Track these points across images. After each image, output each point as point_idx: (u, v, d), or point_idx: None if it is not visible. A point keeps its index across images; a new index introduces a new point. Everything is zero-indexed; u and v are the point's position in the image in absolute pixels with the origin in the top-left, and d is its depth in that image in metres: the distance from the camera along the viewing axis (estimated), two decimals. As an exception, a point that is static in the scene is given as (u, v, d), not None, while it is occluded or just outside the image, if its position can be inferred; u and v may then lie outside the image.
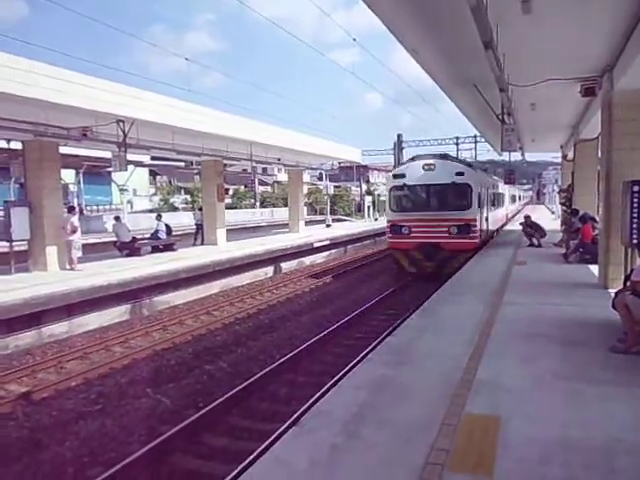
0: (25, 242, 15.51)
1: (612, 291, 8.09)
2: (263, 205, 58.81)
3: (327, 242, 25.63)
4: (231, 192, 59.17)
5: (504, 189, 30.62)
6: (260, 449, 5.73)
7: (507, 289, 10.78)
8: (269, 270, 20.86)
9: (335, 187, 53.51)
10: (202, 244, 23.42)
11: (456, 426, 4.51)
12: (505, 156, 26.70)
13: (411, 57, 10.14)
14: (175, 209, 49.71)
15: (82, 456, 6.44)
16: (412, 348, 6.91)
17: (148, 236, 22.42)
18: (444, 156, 17.90)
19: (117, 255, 19.30)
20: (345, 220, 45.60)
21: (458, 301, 9.77)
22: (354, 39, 15.58)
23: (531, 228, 19.39)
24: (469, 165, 18.56)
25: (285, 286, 18.08)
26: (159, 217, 22.61)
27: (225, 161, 23.97)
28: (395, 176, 17.85)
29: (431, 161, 17.05)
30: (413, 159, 17.98)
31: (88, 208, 42.40)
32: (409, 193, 17.57)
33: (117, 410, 7.82)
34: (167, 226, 21.99)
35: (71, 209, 17.45)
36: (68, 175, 32.30)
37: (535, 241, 18.83)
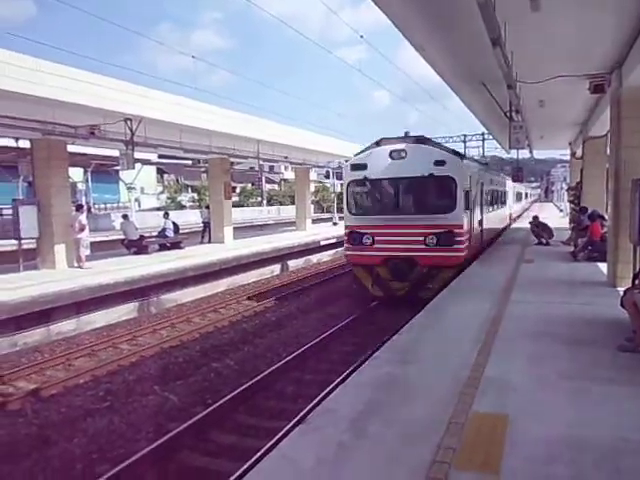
0: (34, 240, 15.63)
1: (621, 289, 8.04)
2: (270, 203, 58.96)
3: (333, 240, 25.61)
4: (238, 190, 59.36)
5: (508, 186, 27.44)
6: (267, 447, 5.76)
7: (514, 287, 10.73)
8: (276, 268, 20.89)
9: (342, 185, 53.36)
10: (209, 242, 23.49)
11: (463, 424, 4.50)
12: (513, 154, 25.44)
13: (418, 54, 10.10)
14: (182, 207, 49.94)
15: (90, 453, 6.49)
16: (419, 346, 6.89)
17: (155, 234, 22.53)
18: (419, 139, 13.10)
19: (125, 253, 19.39)
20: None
21: (465, 299, 9.73)
22: (361, 36, 15.49)
23: (538, 227, 19.38)
24: (455, 153, 13.86)
25: (291, 283, 18.09)
26: (166, 215, 22.71)
27: (232, 159, 24.03)
28: (354, 167, 13.37)
29: (401, 146, 12.79)
30: (378, 143, 13.18)
31: (96, 206, 42.65)
32: (372, 190, 13.49)
33: (125, 407, 7.86)
34: (174, 224, 22.08)
35: (79, 207, 17.55)
36: (76, 173, 32.51)
37: (543, 239, 18.76)
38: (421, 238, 12.59)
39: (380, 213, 13.16)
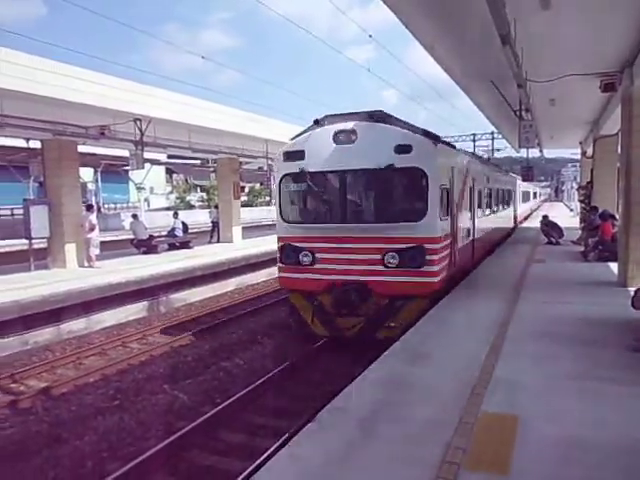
0: (44, 240, 15.74)
1: (632, 289, 7.96)
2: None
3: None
4: (247, 190, 59.44)
5: (513, 185, 25.16)
6: (277, 445, 5.77)
7: (524, 287, 10.68)
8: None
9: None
10: (218, 241, 23.57)
11: (473, 425, 4.48)
12: (523, 153, 25.19)
13: (427, 53, 10.08)
14: (191, 207, 50.14)
15: (101, 451, 6.52)
16: (428, 346, 6.87)
17: (165, 234, 22.63)
18: (375, 115, 9.29)
19: (134, 252, 19.49)
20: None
21: (475, 299, 9.69)
22: (370, 35, 15.43)
23: (548, 227, 19.30)
24: (427, 134, 9.48)
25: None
26: (176, 215, 22.80)
27: (241, 159, 24.08)
28: (287, 156, 9.72)
29: (349, 125, 9.17)
30: (319, 122, 9.52)
31: (106, 206, 42.94)
32: (311, 188, 9.73)
33: (134, 406, 7.90)
34: (184, 224, 22.17)
35: (89, 207, 17.69)
36: (86, 173, 32.73)
37: (553, 239, 18.66)
38: (378, 256, 8.97)
39: (322, 221, 9.65)
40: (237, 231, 23.69)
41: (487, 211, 15.59)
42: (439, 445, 4.12)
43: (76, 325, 12.05)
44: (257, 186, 63.65)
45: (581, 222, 22.44)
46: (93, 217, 16.39)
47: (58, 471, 6.11)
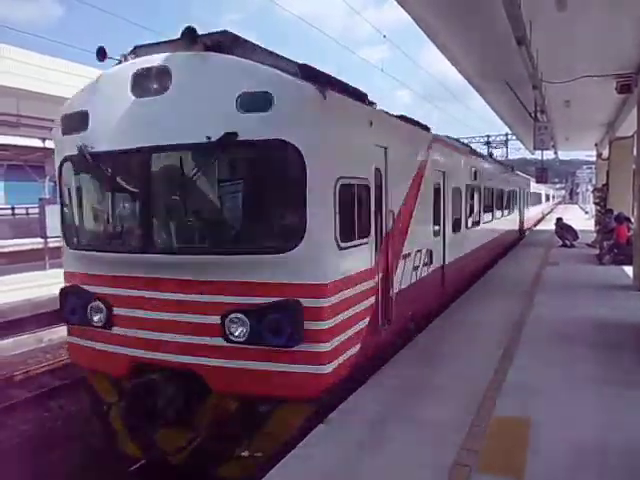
0: (60, 239, 15.86)
1: (648, 293, 7.89)
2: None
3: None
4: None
5: (518, 184, 21.21)
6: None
7: (538, 290, 10.59)
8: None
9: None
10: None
11: (486, 428, 4.45)
12: (537, 155, 24.82)
13: (442, 54, 10.06)
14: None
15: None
16: (441, 348, 6.84)
17: None
18: (208, 42, 5.07)
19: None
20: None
21: (488, 301, 9.63)
22: (384, 36, 15.40)
23: (562, 229, 19.17)
24: (307, 73, 5.03)
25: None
26: None
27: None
28: (67, 124, 5.69)
29: (158, 61, 5.08)
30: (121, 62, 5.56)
31: None
32: (97, 185, 5.78)
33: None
34: None
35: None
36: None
37: (567, 242, 18.52)
38: (213, 319, 4.89)
39: (114, 247, 5.63)
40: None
41: (472, 221, 11.68)
42: (451, 448, 4.10)
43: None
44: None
45: (596, 225, 22.24)
46: None
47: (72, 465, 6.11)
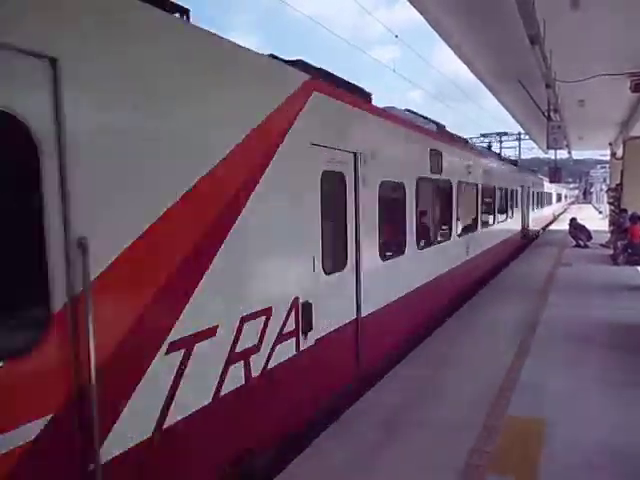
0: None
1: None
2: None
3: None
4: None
5: (519, 182, 17.29)
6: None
7: (552, 290, 10.53)
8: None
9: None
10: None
11: (499, 428, 4.44)
12: (551, 154, 24.39)
13: (454, 53, 10.04)
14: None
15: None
16: (453, 349, 6.82)
17: None
18: None
19: None
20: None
21: (501, 301, 9.59)
22: (396, 36, 15.34)
23: (576, 230, 19.04)
24: None
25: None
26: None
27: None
28: None
29: None
30: None
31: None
32: None
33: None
34: None
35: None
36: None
37: (581, 242, 18.39)
38: None
39: None
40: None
41: (431, 236, 8.23)
42: (464, 447, 4.10)
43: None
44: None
45: (610, 225, 22.04)
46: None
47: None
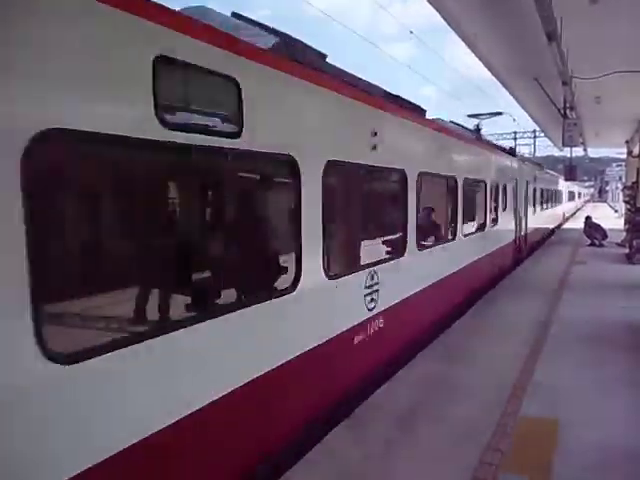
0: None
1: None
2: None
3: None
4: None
5: (511, 172, 12.86)
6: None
7: (566, 289, 10.44)
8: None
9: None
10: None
11: (512, 427, 4.43)
12: (566, 152, 23.97)
13: (470, 50, 9.98)
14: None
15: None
16: (467, 347, 6.80)
17: None
18: None
19: None
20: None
21: (515, 300, 9.53)
22: (411, 32, 15.23)
23: (591, 228, 18.87)
24: None
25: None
26: None
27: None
28: None
29: None
30: None
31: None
32: None
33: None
34: None
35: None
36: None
37: (596, 241, 18.23)
38: None
39: None
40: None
41: (352, 257, 5.77)
42: (477, 446, 4.09)
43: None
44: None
45: (626, 223, 21.80)
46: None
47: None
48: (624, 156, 30.15)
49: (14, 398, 2.18)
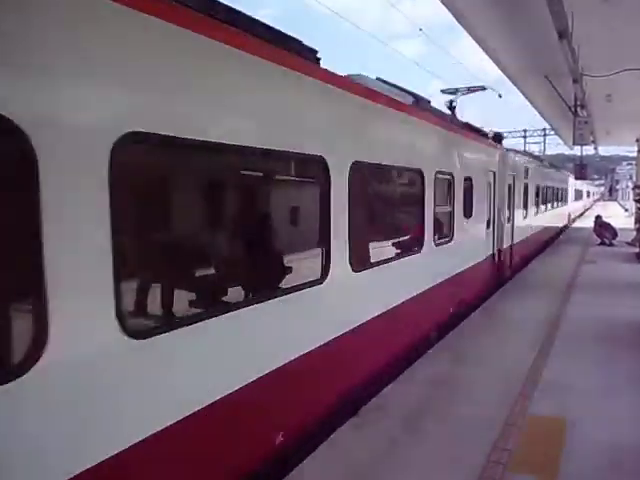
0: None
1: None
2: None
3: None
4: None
5: (482, 162, 9.59)
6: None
7: (575, 288, 10.39)
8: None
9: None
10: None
11: (520, 426, 4.41)
12: (576, 150, 23.65)
13: (480, 48, 9.91)
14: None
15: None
16: (474, 345, 6.78)
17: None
18: None
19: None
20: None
21: (524, 299, 9.49)
22: (420, 29, 15.22)
23: (601, 227, 18.74)
24: None
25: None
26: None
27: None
28: None
29: None
30: None
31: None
32: None
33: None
34: None
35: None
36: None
37: (606, 240, 18.10)
38: None
39: None
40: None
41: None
42: (484, 445, 4.08)
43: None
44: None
45: (636, 222, 21.64)
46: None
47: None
48: (635, 154, 29.90)
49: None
